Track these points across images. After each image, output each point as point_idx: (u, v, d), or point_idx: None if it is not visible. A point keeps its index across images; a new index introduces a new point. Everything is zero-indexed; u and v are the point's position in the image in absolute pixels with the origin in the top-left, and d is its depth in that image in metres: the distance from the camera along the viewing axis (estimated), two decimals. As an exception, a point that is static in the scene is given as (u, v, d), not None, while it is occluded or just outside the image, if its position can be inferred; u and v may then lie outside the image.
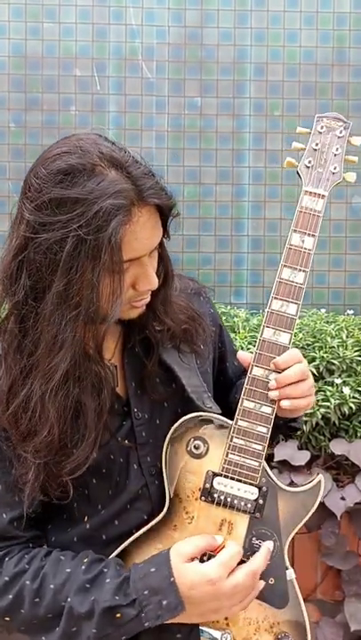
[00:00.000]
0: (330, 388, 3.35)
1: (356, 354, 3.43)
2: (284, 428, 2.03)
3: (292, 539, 1.87)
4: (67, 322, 1.59)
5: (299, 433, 3.31)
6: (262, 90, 4.07)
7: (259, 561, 1.75)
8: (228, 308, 3.83)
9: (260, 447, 1.80)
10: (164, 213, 1.69)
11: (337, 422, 3.41)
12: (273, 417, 1.81)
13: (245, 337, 3.47)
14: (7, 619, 1.76)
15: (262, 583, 1.78)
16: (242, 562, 1.75)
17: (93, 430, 1.70)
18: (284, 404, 1.78)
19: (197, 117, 4.06)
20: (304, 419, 3.22)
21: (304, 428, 3.27)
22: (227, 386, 2.13)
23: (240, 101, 4.06)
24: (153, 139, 4.03)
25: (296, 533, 1.88)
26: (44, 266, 1.58)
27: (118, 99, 4.05)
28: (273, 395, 1.79)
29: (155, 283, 1.71)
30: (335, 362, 3.40)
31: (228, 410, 1.87)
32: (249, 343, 3.43)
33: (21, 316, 1.66)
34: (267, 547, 1.79)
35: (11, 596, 1.73)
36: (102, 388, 1.72)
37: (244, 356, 1.86)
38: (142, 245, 1.64)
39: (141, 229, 1.61)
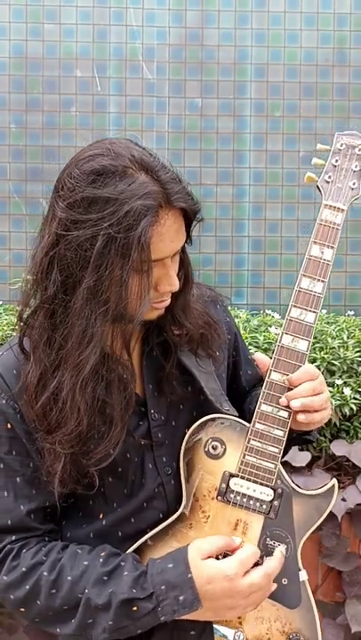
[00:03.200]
0: (331, 388, 3.36)
1: (357, 355, 3.44)
2: (298, 440, 2.06)
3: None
4: (96, 317, 1.64)
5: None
6: (263, 91, 4.08)
7: (274, 564, 1.78)
8: (229, 308, 3.83)
9: (276, 450, 1.84)
10: (189, 218, 1.74)
11: (338, 423, 3.42)
12: (289, 421, 1.84)
13: (246, 338, 3.47)
14: (22, 609, 1.78)
15: (275, 585, 1.80)
16: (256, 563, 1.77)
17: (120, 422, 1.74)
18: (300, 417, 1.82)
19: (198, 118, 4.07)
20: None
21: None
22: (239, 394, 2.15)
23: (241, 102, 4.07)
24: (153, 139, 4.03)
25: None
26: (75, 262, 1.63)
27: (119, 99, 4.05)
28: (294, 404, 1.82)
29: (176, 284, 1.75)
30: (336, 363, 3.41)
31: (241, 418, 1.89)
32: (249, 344, 3.44)
33: (51, 310, 1.70)
34: (281, 551, 1.82)
35: (27, 587, 1.75)
36: (128, 383, 1.77)
37: (261, 358, 1.89)
38: (166, 247, 1.68)
39: (167, 232, 1.66)
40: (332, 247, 1.87)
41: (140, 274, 1.63)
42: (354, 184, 1.91)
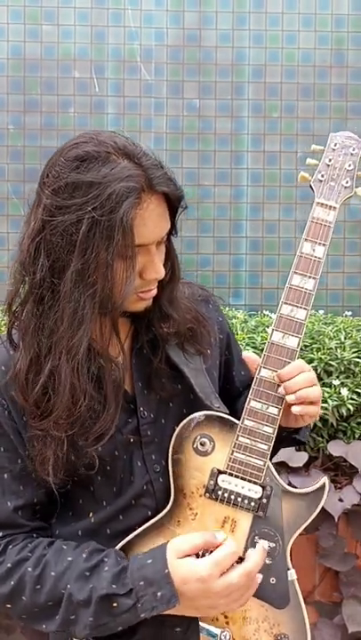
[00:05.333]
0: (328, 389, 3.35)
1: (354, 355, 3.43)
2: (288, 440, 2.06)
3: (290, 540, 1.89)
4: (85, 299, 1.66)
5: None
6: (261, 91, 4.08)
7: (254, 560, 1.75)
8: (227, 309, 3.84)
9: (265, 447, 1.83)
10: (173, 205, 1.76)
11: (335, 424, 3.41)
12: (279, 418, 1.84)
13: (243, 338, 3.47)
14: (8, 606, 1.79)
15: (260, 577, 1.78)
16: (241, 560, 1.76)
17: (113, 401, 1.76)
18: (295, 409, 1.82)
19: (196, 119, 4.07)
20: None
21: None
22: (233, 395, 2.15)
23: (238, 103, 4.07)
24: (152, 140, 4.04)
25: (294, 535, 1.90)
26: (61, 246, 1.66)
27: (117, 100, 4.05)
28: (290, 399, 1.82)
29: (161, 272, 1.77)
30: (333, 363, 3.41)
31: (236, 418, 1.89)
32: (247, 344, 3.44)
33: (40, 295, 1.72)
34: (262, 546, 1.80)
35: (12, 583, 1.76)
36: (117, 364, 1.80)
37: (250, 356, 1.89)
38: (150, 233, 1.71)
39: (150, 216, 1.69)
40: (323, 244, 1.88)
41: (125, 259, 1.66)
42: (347, 182, 1.92)
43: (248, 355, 1.93)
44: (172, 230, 1.82)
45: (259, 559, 1.76)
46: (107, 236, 1.62)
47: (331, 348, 3.43)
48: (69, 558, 1.76)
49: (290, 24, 4.08)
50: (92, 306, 1.67)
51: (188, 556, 1.72)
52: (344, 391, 3.34)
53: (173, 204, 1.76)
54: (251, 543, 1.82)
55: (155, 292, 1.81)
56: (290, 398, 1.81)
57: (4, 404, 1.80)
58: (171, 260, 1.86)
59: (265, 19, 4.07)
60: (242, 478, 1.83)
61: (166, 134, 4.06)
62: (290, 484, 3.17)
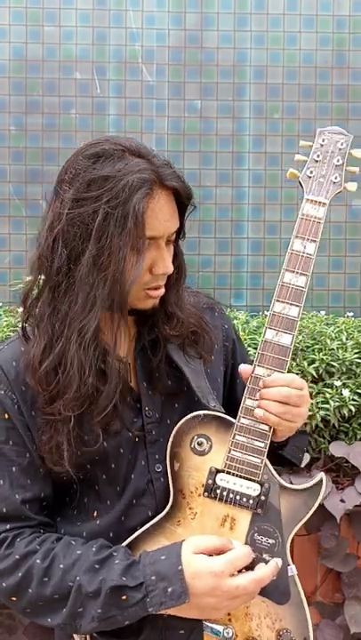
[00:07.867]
0: (329, 390, 3.35)
1: (356, 356, 3.43)
2: (274, 456, 2.04)
3: (292, 541, 1.89)
4: (98, 281, 1.74)
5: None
6: (262, 92, 4.07)
7: (266, 572, 1.79)
8: (228, 310, 3.84)
9: (261, 444, 1.85)
10: (182, 203, 1.85)
11: (336, 425, 3.41)
12: None
13: (245, 339, 3.47)
14: (14, 598, 1.81)
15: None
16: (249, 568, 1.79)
17: (115, 379, 1.81)
18: (257, 413, 1.85)
19: (197, 120, 4.06)
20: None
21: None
22: (237, 404, 2.13)
23: (240, 104, 4.07)
24: (153, 141, 4.03)
25: (296, 535, 1.91)
26: (78, 236, 1.75)
27: (118, 102, 4.05)
28: (257, 413, 1.86)
29: (170, 267, 1.84)
30: (335, 364, 3.41)
31: None
32: (248, 345, 3.44)
33: (57, 282, 1.79)
34: (276, 562, 1.83)
35: (20, 574, 1.79)
36: (123, 362, 1.86)
37: (245, 370, 1.91)
38: (161, 225, 1.79)
39: (160, 210, 1.78)
40: (314, 241, 1.89)
41: (135, 248, 1.74)
42: (336, 178, 1.93)
43: (243, 367, 1.93)
44: (181, 231, 1.89)
45: (270, 573, 1.80)
46: (120, 223, 1.71)
47: (332, 349, 3.43)
48: (78, 551, 1.79)
49: (291, 25, 4.07)
50: (103, 288, 1.74)
51: (203, 554, 1.75)
52: (346, 392, 3.34)
53: (183, 201, 1.84)
54: (250, 540, 1.84)
55: (162, 290, 1.87)
56: (257, 413, 1.85)
57: (14, 398, 1.85)
58: (178, 261, 1.92)
59: (266, 20, 4.07)
60: (240, 476, 1.84)
61: (168, 135, 4.06)
62: (291, 484, 3.17)
